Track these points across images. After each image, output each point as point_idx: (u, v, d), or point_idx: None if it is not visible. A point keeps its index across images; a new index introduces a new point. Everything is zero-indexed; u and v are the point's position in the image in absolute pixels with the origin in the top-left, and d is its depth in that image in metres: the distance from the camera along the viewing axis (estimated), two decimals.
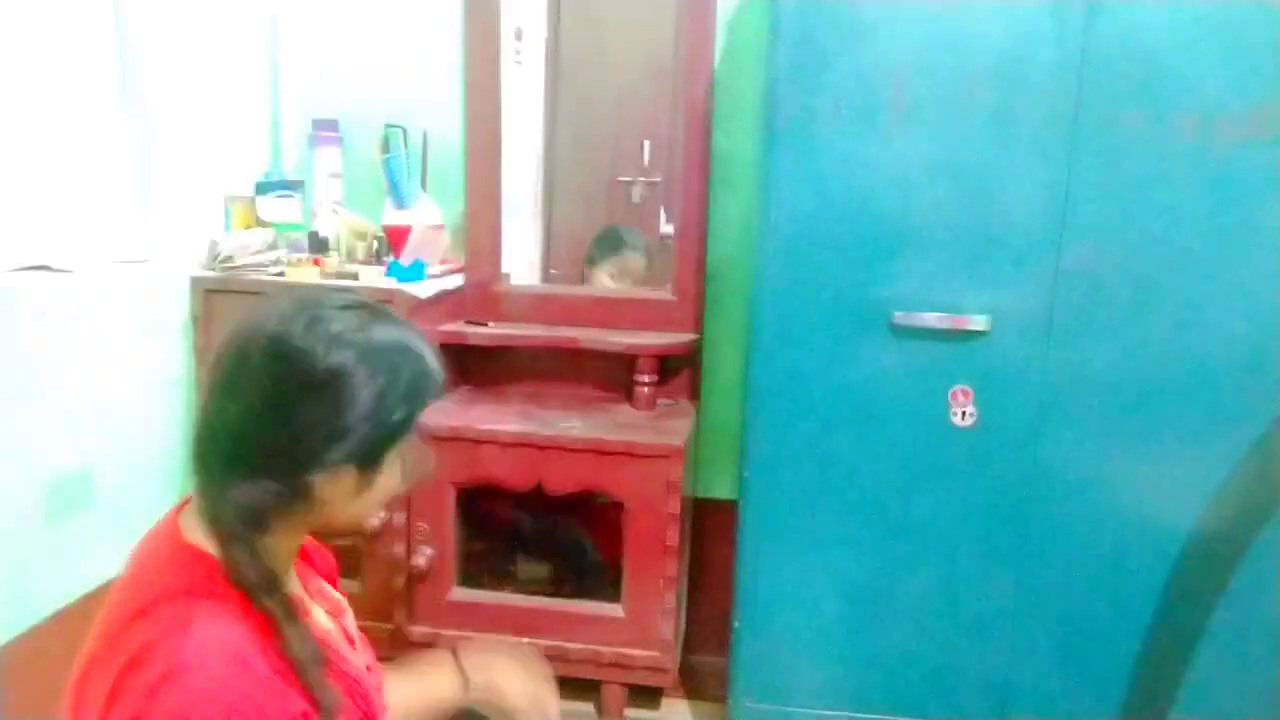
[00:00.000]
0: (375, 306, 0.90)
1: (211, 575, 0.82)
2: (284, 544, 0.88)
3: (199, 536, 0.84)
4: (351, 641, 1.01)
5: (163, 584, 0.81)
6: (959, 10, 1.55)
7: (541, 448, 1.82)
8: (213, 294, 1.88)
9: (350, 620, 1.03)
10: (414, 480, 0.96)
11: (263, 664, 0.79)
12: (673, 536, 1.81)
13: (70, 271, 1.58)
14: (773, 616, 1.77)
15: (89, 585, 1.63)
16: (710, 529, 2.15)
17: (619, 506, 1.83)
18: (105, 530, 1.68)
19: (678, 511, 1.80)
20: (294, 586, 0.93)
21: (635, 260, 2.32)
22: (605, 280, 2.30)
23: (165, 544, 0.85)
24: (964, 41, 1.55)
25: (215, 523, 0.83)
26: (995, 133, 1.57)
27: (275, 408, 0.82)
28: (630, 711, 1.95)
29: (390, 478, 0.91)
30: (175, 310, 1.87)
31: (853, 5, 1.57)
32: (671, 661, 1.90)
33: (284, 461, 0.83)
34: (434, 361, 0.91)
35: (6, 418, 1.46)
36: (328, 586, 1.04)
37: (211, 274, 1.88)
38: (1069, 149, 1.55)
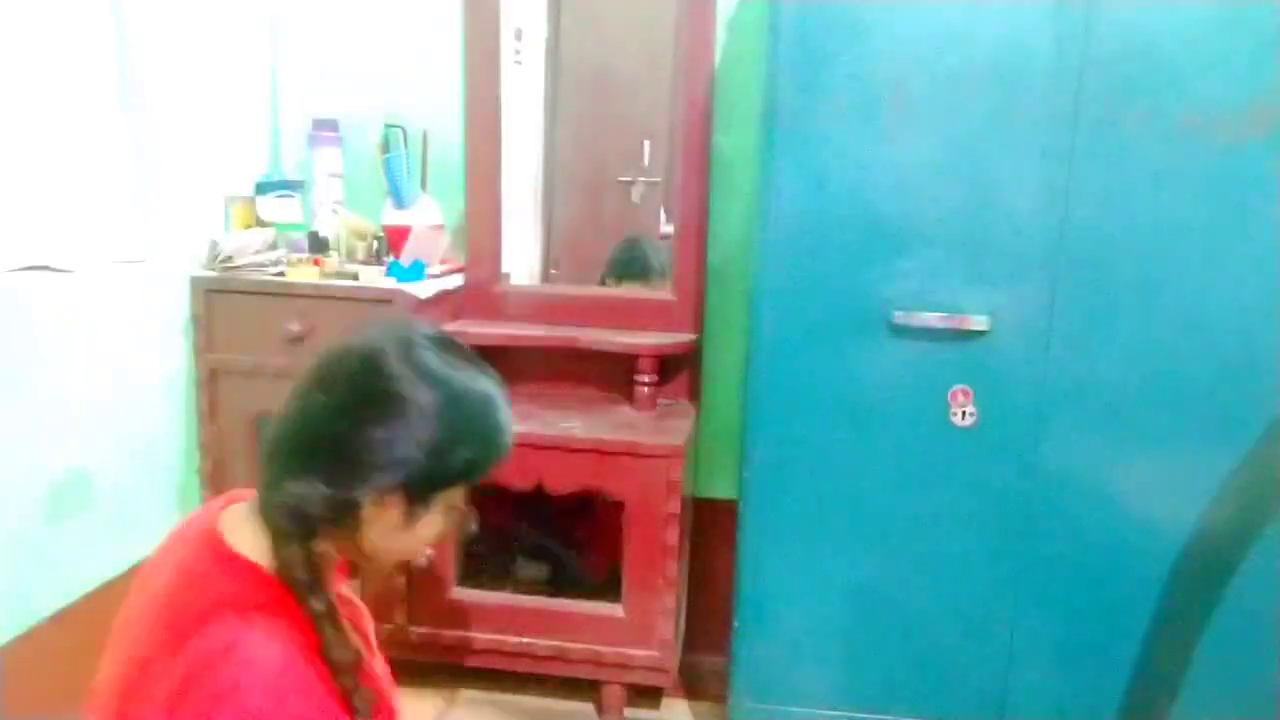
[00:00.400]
0: (468, 351, 0.93)
1: (261, 586, 0.82)
2: (328, 555, 0.88)
3: (246, 545, 0.84)
4: (371, 647, 1.02)
5: (212, 596, 0.81)
6: (959, 10, 1.55)
7: (542, 448, 1.82)
8: (213, 294, 1.88)
9: (370, 625, 1.05)
10: (454, 533, 0.97)
11: (314, 679, 0.79)
12: (673, 536, 1.81)
13: (70, 271, 1.58)
14: (773, 616, 1.77)
15: (89, 585, 1.64)
16: (710, 529, 2.15)
17: (619, 506, 1.83)
18: (105, 530, 1.68)
19: (678, 511, 1.80)
20: (334, 592, 0.94)
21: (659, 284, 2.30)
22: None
23: (209, 552, 0.85)
24: (964, 41, 1.55)
25: (272, 517, 0.84)
26: (995, 133, 1.57)
27: (349, 413, 0.84)
28: (630, 711, 1.95)
29: (432, 524, 0.92)
30: (175, 310, 1.87)
31: (853, 5, 1.57)
32: (671, 661, 1.90)
33: (342, 468, 0.84)
34: (509, 422, 0.93)
35: (6, 418, 1.46)
36: (349, 591, 1.05)
37: (211, 274, 1.89)
38: (1069, 149, 1.55)
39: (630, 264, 2.33)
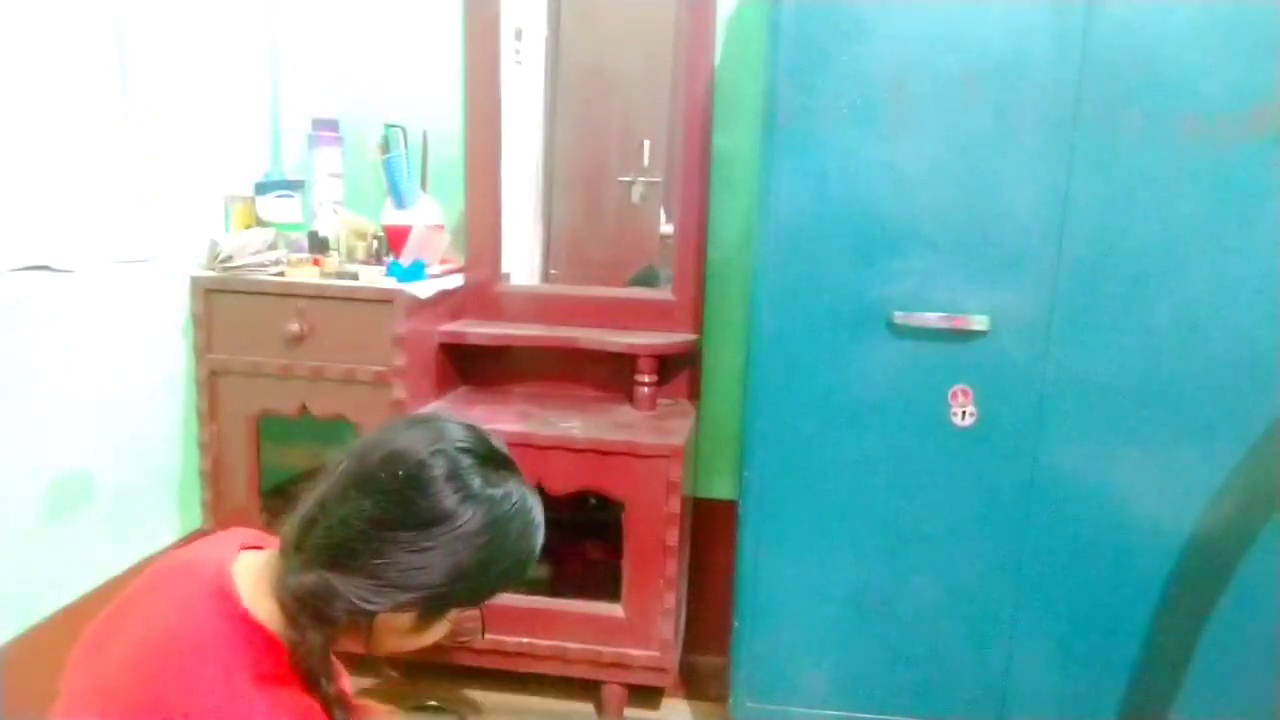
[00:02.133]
0: (505, 455, 0.92)
1: (273, 656, 0.81)
2: (338, 642, 0.87)
3: (263, 610, 0.83)
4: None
5: (224, 657, 0.79)
6: (959, 10, 1.55)
7: (541, 448, 1.82)
8: (213, 294, 1.88)
9: (348, 683, 1.02)
10: (457, 640, 0.97)
11: None
12: (673, 536, 1.81)
13: (70, 271, 1.58)
14: (773, 616, 1.77)
15: (89, 585, 1.64)
16: (710, 529, 2.15)
17: (619, 506, 1.83)
18: (105, 530, 1.68)
19: (678, 511, 1.80)
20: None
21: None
22: None
23: (223, 608, 0.83)
24: (964, 41, 1.55)
25: (290, 603, 0.82)
26: (995, 133, 1.57)
27: (388, 527, 0.82)
28: (630, 711, 1.95)
29: (439, 631, 0.91)
30: (175, 310, 1.87)
31: (853, 5, 1.57)
32: (671, 661, 1.90)
33: (370, 582, 0.82)
34: (540, 537, 0.92)
35: (7, 417, 1.46)
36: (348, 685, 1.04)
37: (211, 274, 1.89)
38: (1069, 149, 1.55)
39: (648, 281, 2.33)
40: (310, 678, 0.82)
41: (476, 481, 0.85)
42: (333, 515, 0.83)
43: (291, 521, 0.86)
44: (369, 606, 0.82)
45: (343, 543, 0.83)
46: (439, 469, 0.84)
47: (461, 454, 0.86)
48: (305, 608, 0.81)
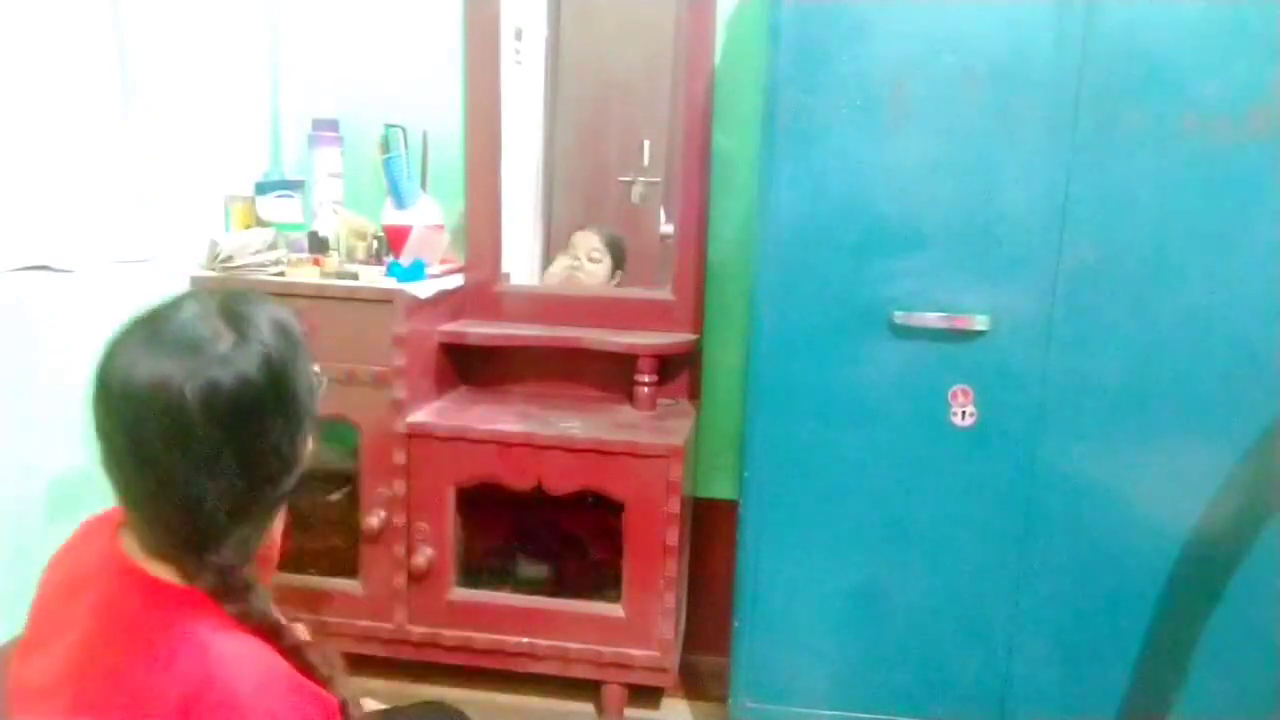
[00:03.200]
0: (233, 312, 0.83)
1: (203, 604, 0.79)
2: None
3: (169, 573, 0.80)
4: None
5: (158, 620, 0.78)
6: (959, 10, 1.55)
7: (541, 448, 1.82)
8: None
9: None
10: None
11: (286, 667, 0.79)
12: (673, 536, 1.81)
13: (70, 271, 1.58)
14: (773, 616, 1.77)
15: None
16: (710, 529, 2.15)
17: (619, 506, 1.83)
18: None
19: (678, 511, 1.81)
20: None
21: (584, 240, 2.30)
22: (556, 267, 2.30)
23: (131, 583, 0.80)
24: (964, 41, 1.55)
25: (212, 588, 0.79)
26: (995, 132, 1.57)
27: (242, 451, 0.79)
28: (630, 711, 1.95)
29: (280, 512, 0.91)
30: None
31: (853, 5, 1.57)
32: (671, 661, 1.90)
33: (265, 489, 0.82)
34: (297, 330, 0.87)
35: (7, 417, 1.46)
36: None
37: (211, 274, 1.88)
38: (1069, 148, 1.55)
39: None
40: (266, 637, 0.80)
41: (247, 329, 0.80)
42: (189, 496, 0.78)
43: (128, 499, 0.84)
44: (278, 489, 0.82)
45: (218, 505, 0.79)
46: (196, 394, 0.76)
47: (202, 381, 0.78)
48: (227, 583, 0.79)
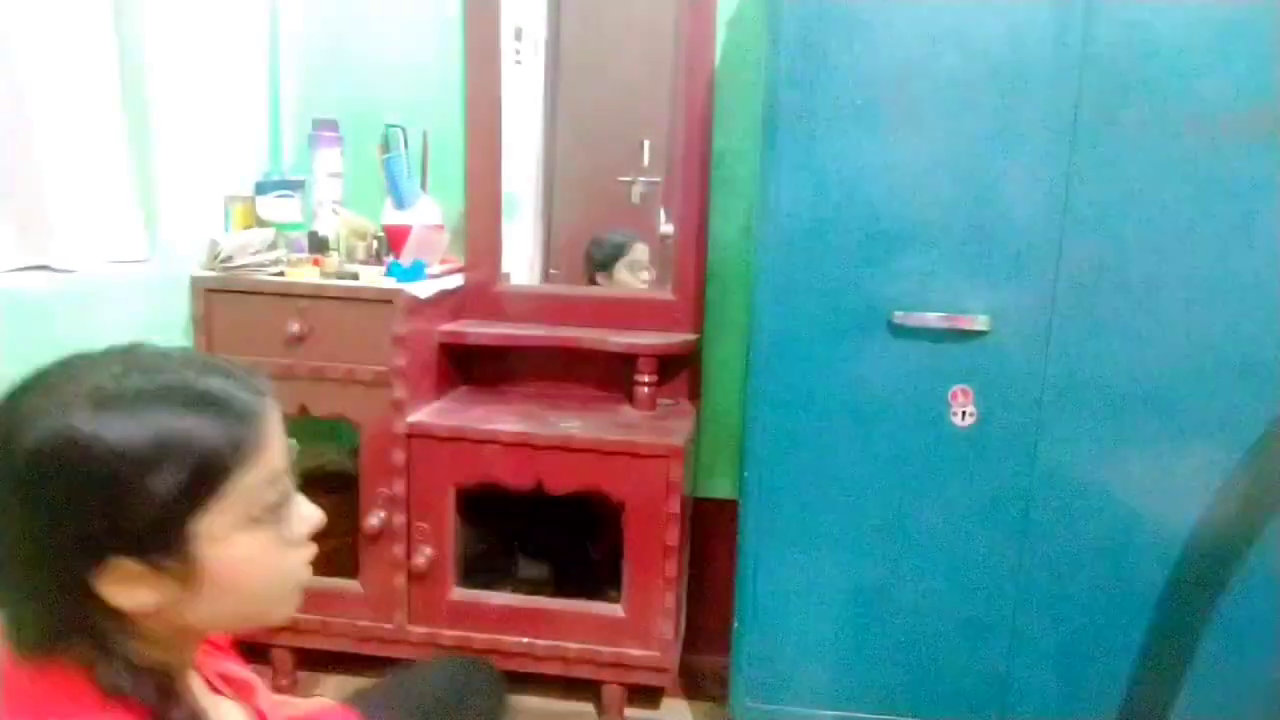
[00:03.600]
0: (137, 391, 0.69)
1: (85, 692, 0.66)
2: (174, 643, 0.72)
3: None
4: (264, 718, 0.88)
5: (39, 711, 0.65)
6: (959, 10, 1.55)
7: (541, 448, 1.82)
8: (213, 294, 1.88)
9: (263, 697, 0.88)
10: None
11: None
12: (673, 536, 1.81)
13: (70, 271, 1.58)
14: (773, 616, 1.77)
15: None
16: (710, 529, 2.15)
17: (619, 506, 1.83)
18: None
19: (678, 511, 1.81)
20: (197, 689, 0.77)
21: (641, 251, 2.31)
22: (625, 276, 2.29)
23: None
24: (964, 41, 1.55)
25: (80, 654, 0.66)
26: (995, 132, 1.57)
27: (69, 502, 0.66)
28: (630, 711, 1.95)
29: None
30: (175, 310, 1.87)
31: (853, 5, 1.57)
32: (671, 661, 1.90)
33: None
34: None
35: None
36: (234, 667, 0.87)
37: (211, 274, 1.88)
38: (1069, 149, 1.55)
39: (603, 245, 2.33)
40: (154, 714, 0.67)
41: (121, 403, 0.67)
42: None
43: None
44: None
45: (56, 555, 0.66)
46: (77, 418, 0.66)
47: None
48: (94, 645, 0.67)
